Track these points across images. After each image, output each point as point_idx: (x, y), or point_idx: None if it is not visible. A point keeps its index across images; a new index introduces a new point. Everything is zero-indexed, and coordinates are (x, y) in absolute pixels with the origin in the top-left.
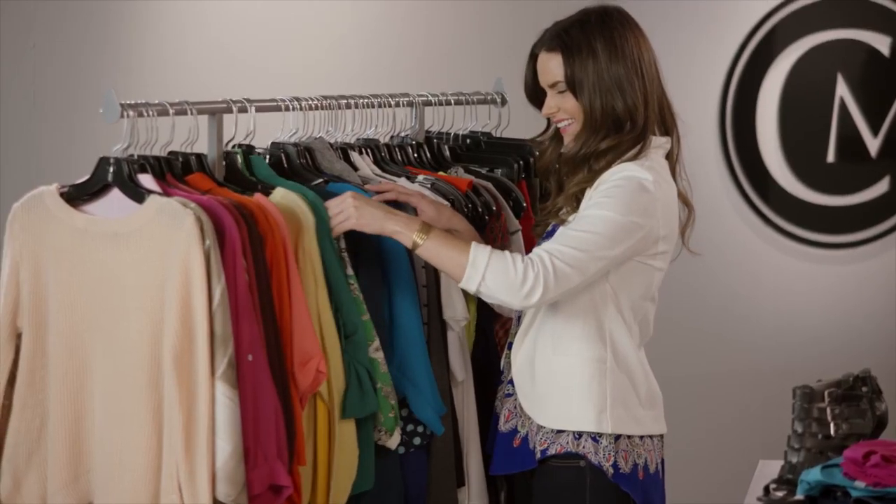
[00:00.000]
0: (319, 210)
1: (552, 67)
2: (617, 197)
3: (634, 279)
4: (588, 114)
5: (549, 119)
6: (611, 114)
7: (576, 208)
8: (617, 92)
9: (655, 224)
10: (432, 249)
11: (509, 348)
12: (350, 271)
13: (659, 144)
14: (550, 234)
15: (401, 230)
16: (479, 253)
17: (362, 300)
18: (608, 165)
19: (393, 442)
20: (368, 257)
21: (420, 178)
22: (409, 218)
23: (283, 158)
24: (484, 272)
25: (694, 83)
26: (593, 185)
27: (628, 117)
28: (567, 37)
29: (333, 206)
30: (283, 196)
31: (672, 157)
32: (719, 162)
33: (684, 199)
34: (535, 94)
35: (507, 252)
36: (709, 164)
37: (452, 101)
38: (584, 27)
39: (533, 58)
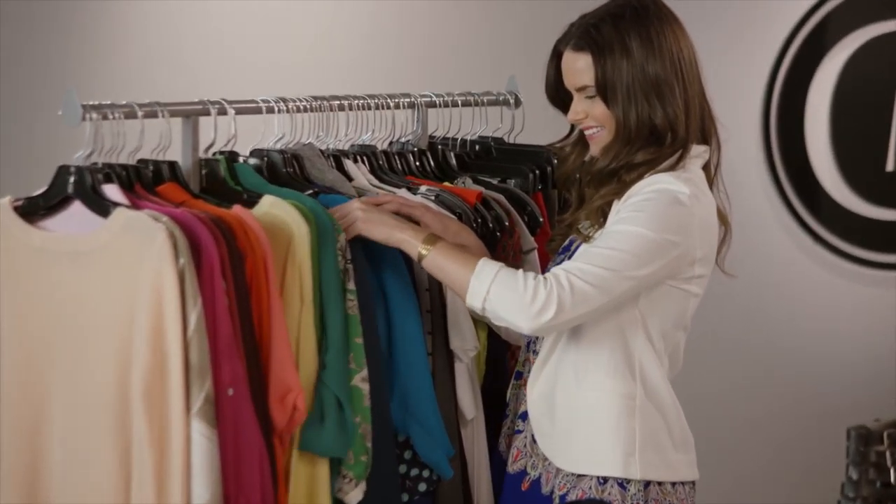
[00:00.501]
0: (321, 219)
1: (580, 69)
2: (648, 211)
3: (667, 305)
4: (621, 123)
5: (572, 124)
6: (647, 124)
7: (602, 223)
8: (655, 99)
9: (692, 243)
10: (438, 262)
11: (517, 378)
12: (352, 285)
13: (697, 154)
14: (567, 249)
15: (408, 239)
16: (486, 266)
17: (360, 320)
18: (640, 177)
19: (354, 497)
20: (364, 276)
21: (423, 189)
22: (416, 228)
23: (267, 167)
24: (489, 286)
25: (734, 82)
26: (622, 197)
27: (668, 128)
28: (597, 34)
29: (337, 213)
30: (273, 205)
31: (710, 168)
32: (762, 171)
33: (721, 215)
34: (558, 95)
35: (519, 270)
36: (750, 174)
37: (459, 103)
38: (616, 22)
39: (556, 55)
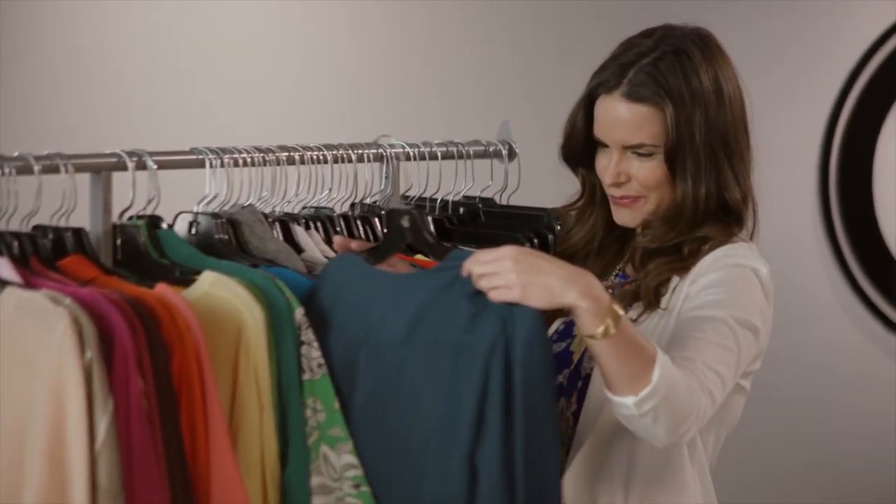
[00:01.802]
0: (274, 298)
1: (637, 123)
2: (739, 294)
3: (728, 406)
4: (689, 195)
5: (588, 182)
6: (715, 197)
7: (654, 305)
8: (727, 167)
9: (766, 332)
10: (618, 345)
11: None
12: (308, 374)
13: None
14: (566, 334)
15: (586, 306)
16: (665, 373)
17: (308, 418)
18: (702, 249)
19: None
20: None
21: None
22: (598, 286)
23: (192, 235)
24: (657, 403)
25: (784, 128)
26: (686, 275)
27: (742, 206)
28: (664, 79)
29: (488, 264)
30: (215, 283)
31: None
32: (820, 242)
33: None
34: (579, 151)
35: (688, 375)
36: (805, 245)
37: (439, 154)
38: (683, 63)
39: (590, 99)
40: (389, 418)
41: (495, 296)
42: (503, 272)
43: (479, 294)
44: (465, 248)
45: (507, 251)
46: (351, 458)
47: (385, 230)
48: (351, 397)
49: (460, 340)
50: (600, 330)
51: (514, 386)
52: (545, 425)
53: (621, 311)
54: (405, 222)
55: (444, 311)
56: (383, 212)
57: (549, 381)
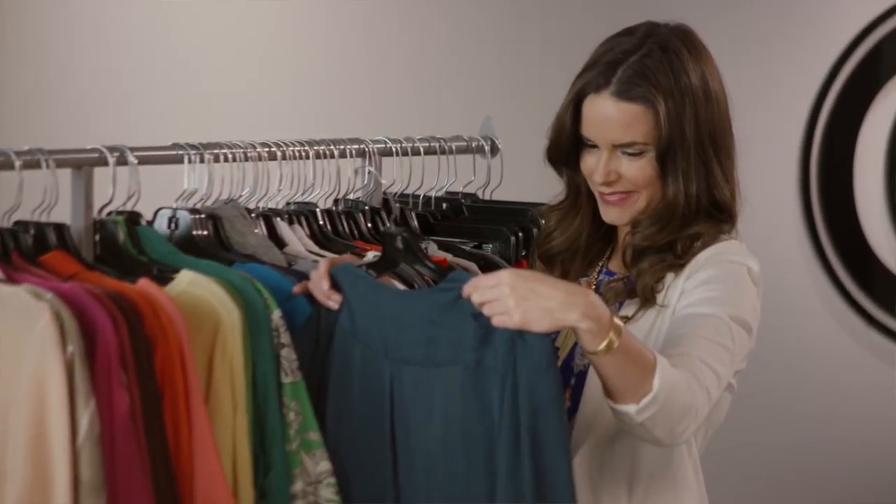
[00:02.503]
0: (250, 297)
1: (627, 122)
2: (734, 292)
3: (718, 406)
4: (681, 193)
5: (572, 182)
6: (706, 195)
7: (651, 301)
8: (717, 164)
9: (755, 330)
10: (620, 357)
11: None
12: (290, 377)
13: None
14: None
15: (587, 327)
16: (665, 379)
17: (291, 422)
18: (693, 245)
19: None
20: (324, 359)
21: (370, 255)
22: (599, 304)
23: (170, 230)
24: (658, 409)
25: (765, 126)
26: (680, 273)
27: (731, 202)
28: (654, 78)
29: (486, 291)
30: (193, 282)
31: None
32: (801, 239)
33: None
34: (565, 152)
35: (686, 374)
36: (786, 243)
37: (422, 150)
38: (671, 61)
39: (578, 100)
40: (430, 441)
41: (497, 322)
42: (502, 298)
43: (483, 314)
44: (464, 271)
45: (504, 277)
46: (329, 465)
47: (382, 249)
48: (379, 414)
49: (475, 359)
50: (603, 347)
51: (520, 409)
52: (555, 450)
53: (622, 323)
54: (399, 244)
55: (453, 331)
56: (367, 207)
57: (559, 404)
